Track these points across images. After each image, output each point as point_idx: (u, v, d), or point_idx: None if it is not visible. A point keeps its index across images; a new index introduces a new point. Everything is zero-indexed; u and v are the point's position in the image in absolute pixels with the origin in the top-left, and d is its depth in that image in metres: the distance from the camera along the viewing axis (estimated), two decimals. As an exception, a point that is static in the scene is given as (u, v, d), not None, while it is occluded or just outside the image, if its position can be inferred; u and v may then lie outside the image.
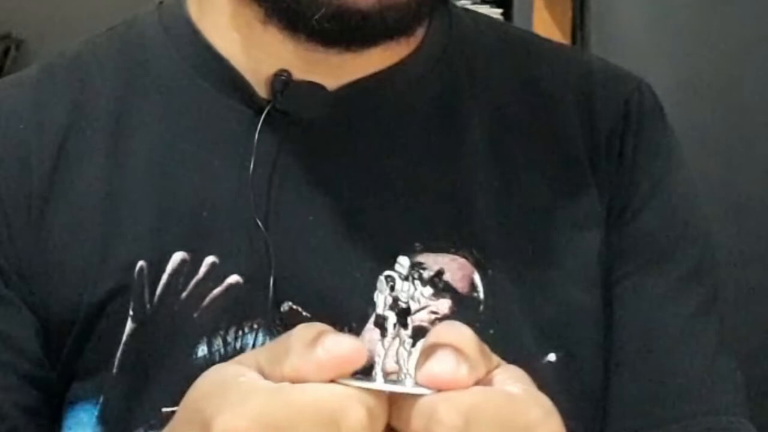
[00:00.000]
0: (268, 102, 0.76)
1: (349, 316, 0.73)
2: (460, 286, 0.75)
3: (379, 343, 0.56)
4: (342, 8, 0.70)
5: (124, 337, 0.73)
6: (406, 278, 0.56)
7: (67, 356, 0.75)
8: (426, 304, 0.74)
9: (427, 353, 0.55)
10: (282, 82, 0.76)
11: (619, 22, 1.73)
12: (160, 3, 0.83)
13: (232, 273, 0.74)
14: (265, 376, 0.56)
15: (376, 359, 0.55)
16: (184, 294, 0.74)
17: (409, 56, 0.79)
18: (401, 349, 0.56)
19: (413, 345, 0.56)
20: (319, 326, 0.56)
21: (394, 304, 0.56)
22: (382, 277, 0.56)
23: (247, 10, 0.76)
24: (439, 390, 0.54)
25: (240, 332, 0.73)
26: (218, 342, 0.73)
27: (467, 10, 0.87)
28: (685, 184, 0.84)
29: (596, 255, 0.79)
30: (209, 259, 0.74)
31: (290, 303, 0.74)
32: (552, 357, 0.76)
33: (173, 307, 0.74)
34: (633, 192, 0.81)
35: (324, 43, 0.74)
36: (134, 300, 0.74)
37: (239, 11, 0.77)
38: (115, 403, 0.73)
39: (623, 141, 0.81)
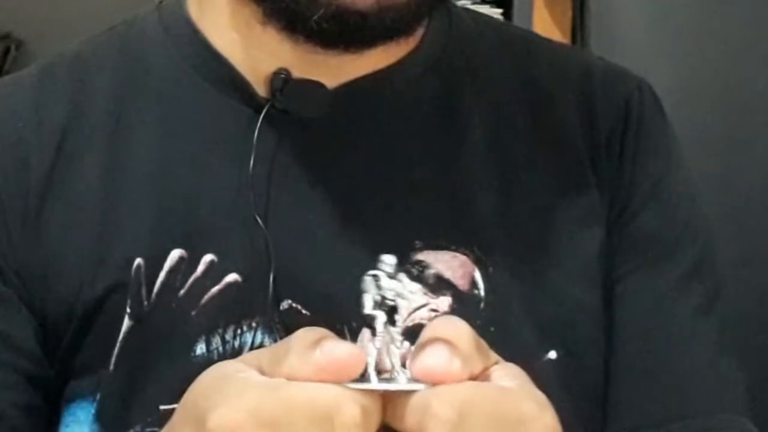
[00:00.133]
0: (267, 101, 0.76)
1: (349, 314, 0.72)
2: (461, 283, 0.75)
3: (370, 343, 0.56)
4: (341, 9, 0.71)
5: (121, 335, 0.74)
6: (391, 276, 0.56)
7: (64, 354, 0.75)
8: (426, 301, 0.74)
9: (422, 347, 0.55)
10: (281, 80, 0.76)
11: (619, 22, 1.73)
12: (160, 3, 0.83)
13: (231, 271, 0.74)
14: (265, 376, 0.56)
15: (368, 359, 0.55)
16: (181, 292, 0.74)
17: (409, 55, 0.79)
18: (392, 346, 0.56)
19: (410, 343, 0.56)
20: (321, 331, 0.57)
21: (382, 303, 0.56)
22: (367, 277, 0.56)
23: (246, 10, 0.76)
24: (433, 383, 0.55)
25: (239, 330, 0.73)
26: (217, 340, 0.73)
27: (467, 9, 0.88)
28: (686, 184, 0.84)
29: (597, 253, 0.79)
30: (208, 257, 0.74)
31: (290, 301, 0.74)
32: (552, 355, 0.76)
33: (171, 305, 0.74)
34: (633, 191, 0.81)
35: (323, 44, 0.74)
36: (131, 297, 0.74)
37: (238, 11, 0.77)
38: (112, 401, 0.73)
39: (623, 140, 0.81)
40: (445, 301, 0.75)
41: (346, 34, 0.72)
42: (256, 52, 0.77)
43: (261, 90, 0.77)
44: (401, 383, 0.55)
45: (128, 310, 0.74)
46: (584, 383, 0.77)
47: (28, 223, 0.75)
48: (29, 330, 0.75)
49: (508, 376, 0.58)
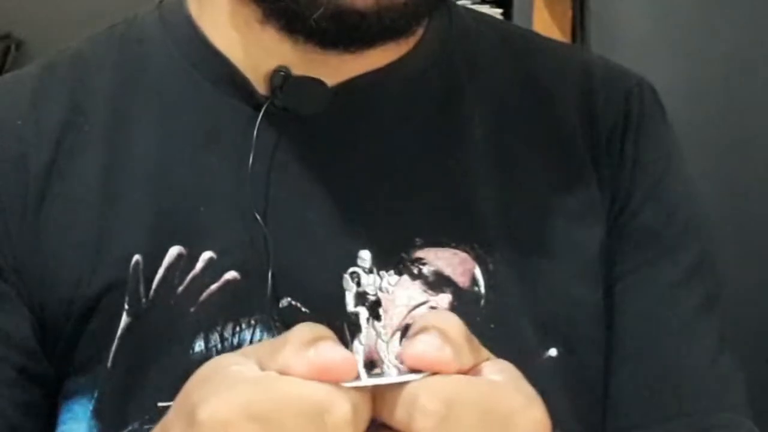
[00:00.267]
0: (267, 98, 0.76)
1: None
2: (461, 280, 0.75)
3: (356, 340, 0.56)
4: (340, 8, 0.71)
5: (119, 331, 0.73)
6: (370, 271, 0.56)
7: (62, 350, 0.75)
8: (425, 298, 0.74)
9: (413, 336, 0.56)
10: (281, 77, 0.76)
11: (619, 22, 1.72)
12: (160, 2, 0.83)
13: (230, 268, 0.74)
14: (262, 368, 0.56)
15: (356, 357, 0.55)
16: (180, 289, 0.74)
17: (409, 53, 0.79)
18: (379, 341, 0.56)
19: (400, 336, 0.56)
20: (319, 329, 0.57)
21: (363, 299, 0.56)
22: (346, 275, 0.57)
23: (245, 10, 0.76)
24: (424, 371, 0.55)
25: (237, 328, 0.73)
26: (215, 338, 0.73)
27: (467, 9, 0.88)
28: (685, 183, 0.84)
29: (597, 251, 0.79)
30: (206, 254, 0.74)
31: (289, 299, 0.74)
32: (553, 352, 0.76)
33: (169, 302, 0.73)
34: (633, 190, 0.81)
35: (322, 44, 0.74)
36: (129, 294, 0.73)
37: (238, 10, 0.77)
38: (109, 398, 0.73)
39: (624, 138, 0.81)
40: (445, 299, 0.75)
41: (345, 33, 0.72)
42: (255, 50, 0.77)
43: (261, 88, 0.77)
44: (391, 377, 0.56)
45: (126, 307, 0.74)
46: (584, 381, 0.77)
47: (26, 220, 0.75)
48: (27, 327, 0.75)
49: (498, 371, 0.58)
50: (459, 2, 0.90)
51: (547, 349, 0.76)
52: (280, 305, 0.73)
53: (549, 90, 0.82)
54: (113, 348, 0.74)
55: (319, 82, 0.76)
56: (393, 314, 0.74)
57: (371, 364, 0.57)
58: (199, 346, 0.73)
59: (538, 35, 0.91)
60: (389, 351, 0.56)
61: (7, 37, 2.02)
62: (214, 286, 0.74)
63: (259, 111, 0.76)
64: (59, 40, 0.85)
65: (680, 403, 0.78)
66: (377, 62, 0.78)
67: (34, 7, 2.05)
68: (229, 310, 0.73)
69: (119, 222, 0.75)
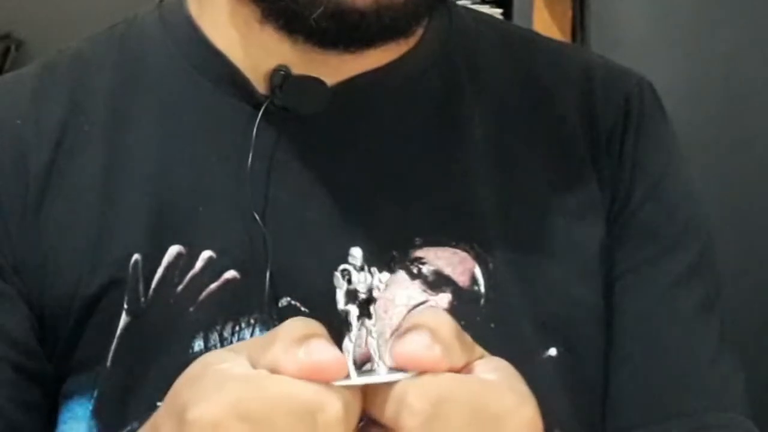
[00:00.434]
0: (267, 98, 0.76)
1: (348, 311, 0.73)
2: (461, 280, 0.75)
3: (346, 338, 0.56)
4: (340, 7, 0.71)
5: (119, 331, 0.73)
6: (361, 268, 0.56)
7: (62, 350, 0.75)
8: (425, 297, 0.74)
9: (402, 334, 0.55)
10: (281, 77, 0.76)
11: (620, 22, 1.72)
12: (160, 1, 0.83)
13: (229, 268, 0.74)
14: (253, 364, 0.56)
15: (346, 355, 0.55)
16: (179, 288, 0.74)
17: (409, 52, 0.79)
18: (369, 339, 0.56)
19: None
20: (310, 325, 0.57)
21: (354, 297, 0.56)
22: (337, 273, 0.56)
23: (245, 10, 0.76)
24: (413, 370, 0.55)
25: (237, 327, 0.73)
26: (215, 337, 0.73)
27: (467, 9, 0.88)
28: (686, 182, 0.84)
29: (597, 250, 0.79)
30: (206, 254, 0.74)
31: (288, 298, 0.74)
32: (553, 351, 0.76)
33: (169, 301, 0.73)
34: (633, 189, 0.81)
35: (322, 43, 0.74)
36: (129, 293, 0.73)
37: (237, 10, 0.77)
38: (109, 397, 0.73)
39: (624, 138, 0.82)
40: (444, 298, 0.75)
41: (344, 33, 0.73)
42: (255, 50, 0.77)
43: (260, 87, 0.77)
44: (381, 375, 0.56)
45: (126, 306, 0.74)
46: (584, 380, 0.77)
47: (26, 219, 0.75)
48: (27, 326, 0.75)
49: (491, 369, 0.58)
50: (459, 2, 0.90)
51: (547, 348, 0.76)
52: (279, 304, 0.73)
53: (549, 90, 0.82)
54: (113, 347, 0.74)
55: (319, 82, 0.76)
56: (393, 314, 0.74)
57: (368, 362, 0.57)
58: (198, 345, 0.73)
59: (538, 35, 0.91)
60: (380, 349, 0.56)
61: (7, 37, 2.02)
62: (213, 286, 0.74)
63: (259, 110, 0.76)
64: (59, 40, 0.85)
65: (680, 402, 0.78)
66: (377, 62, 0.78)
67: (34, 7, 2.05)
68: (229, 309, 0.73)
69: (119, 221, 0.75)
